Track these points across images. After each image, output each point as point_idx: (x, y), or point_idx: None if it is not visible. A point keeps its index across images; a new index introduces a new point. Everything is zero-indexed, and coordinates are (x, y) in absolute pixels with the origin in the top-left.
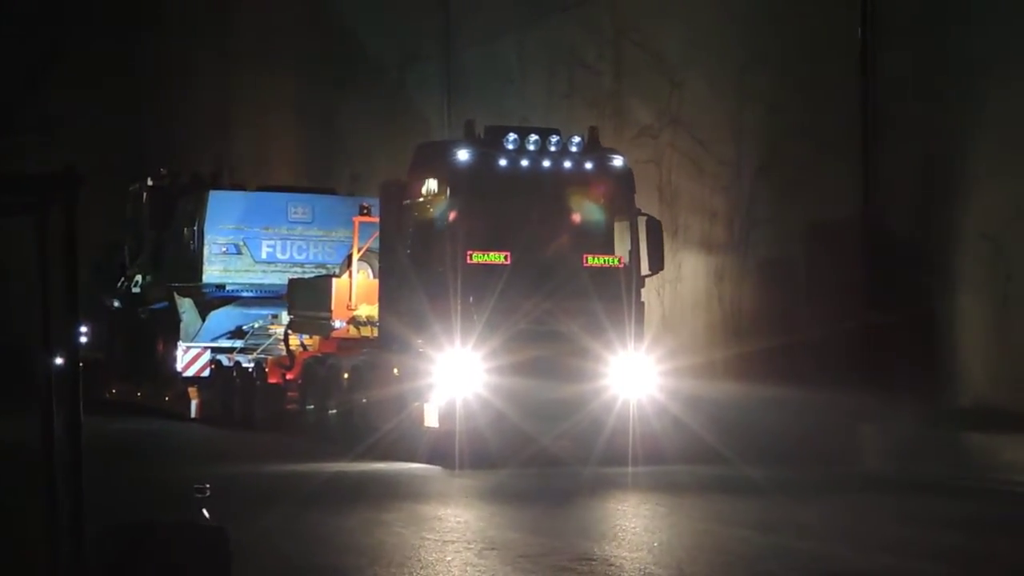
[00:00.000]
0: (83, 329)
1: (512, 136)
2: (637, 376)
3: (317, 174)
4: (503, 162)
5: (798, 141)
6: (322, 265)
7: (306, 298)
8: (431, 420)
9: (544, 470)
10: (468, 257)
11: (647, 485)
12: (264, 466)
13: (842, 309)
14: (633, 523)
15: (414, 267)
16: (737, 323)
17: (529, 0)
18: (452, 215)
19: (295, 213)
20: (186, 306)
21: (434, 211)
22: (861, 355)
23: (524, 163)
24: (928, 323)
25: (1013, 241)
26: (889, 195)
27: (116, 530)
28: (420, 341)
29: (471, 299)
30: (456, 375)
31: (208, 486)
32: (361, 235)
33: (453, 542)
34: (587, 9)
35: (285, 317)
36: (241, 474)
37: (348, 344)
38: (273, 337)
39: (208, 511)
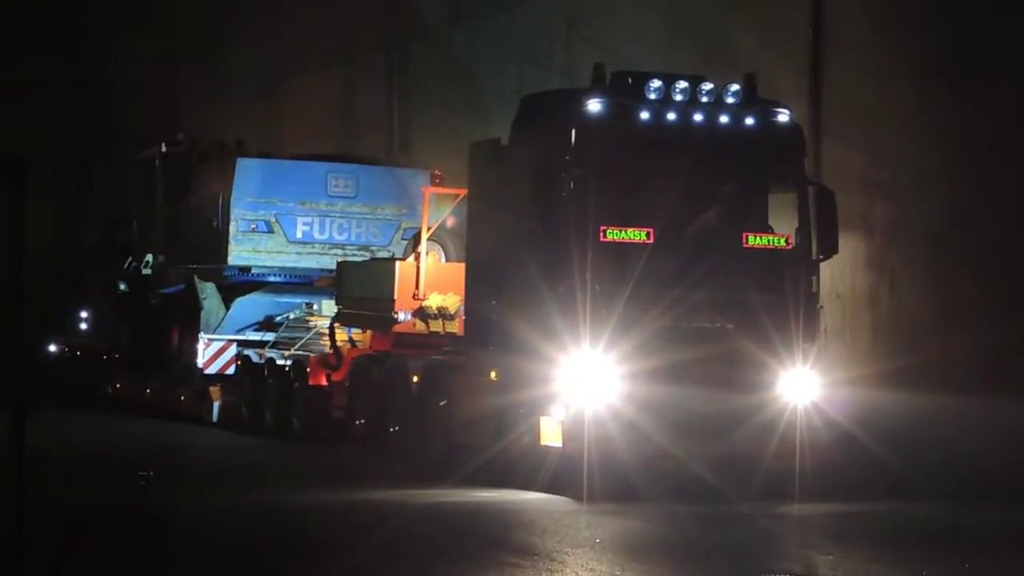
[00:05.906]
0: (83, 315)
1: (656, 83)
2: (809, 385)
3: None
4: (645, 115)
5: None
6: (366, 247)
7: (361, 285)
8: (552, 438)
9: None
10: (601, 234)
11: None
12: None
13: None
14: None
15: (526, 247)
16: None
17: None
18: (580, 182)
19: (336, 186)
20: (208, 291)
21: (553, 177)
22: None
23: (671, 117)
24: None
25: None
26: None
27: (55, 519)
28: (532, 338)
29: (603, 287)
30: (585, 382)
31: (151, 473)
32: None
33: None
34: (538, 4)
35: (325, 306)
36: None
37: (410, 340)
38: (314, 330)
39: None
